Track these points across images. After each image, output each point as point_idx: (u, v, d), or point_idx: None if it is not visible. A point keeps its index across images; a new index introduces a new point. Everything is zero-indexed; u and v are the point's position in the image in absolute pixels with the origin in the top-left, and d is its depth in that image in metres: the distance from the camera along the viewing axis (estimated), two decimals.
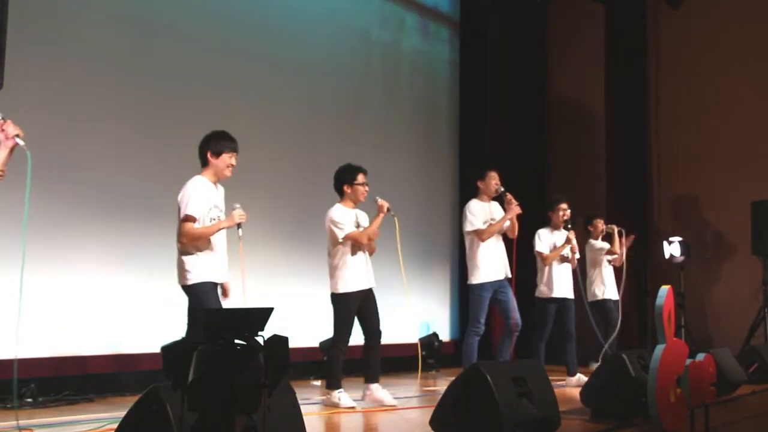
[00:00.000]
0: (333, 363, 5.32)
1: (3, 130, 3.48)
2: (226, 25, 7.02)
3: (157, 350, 2.48)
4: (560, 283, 6.86)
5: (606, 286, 7.51)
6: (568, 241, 6.80)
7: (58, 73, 5.73)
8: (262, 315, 2.49)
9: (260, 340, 2.44)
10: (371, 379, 5.35)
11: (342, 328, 5.30)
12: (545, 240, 6.90)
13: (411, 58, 9.16)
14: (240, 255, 4.49)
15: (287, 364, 2.50)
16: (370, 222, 5.52)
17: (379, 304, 5.47)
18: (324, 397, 5.42)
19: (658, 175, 9.66)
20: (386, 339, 5.60)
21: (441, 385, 6.49)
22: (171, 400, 2.59)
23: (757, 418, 5.53)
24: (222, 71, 6.91)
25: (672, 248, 8.84)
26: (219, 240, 4.56)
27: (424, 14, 9.43)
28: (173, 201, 4.53)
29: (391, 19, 8.95)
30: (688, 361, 4.10)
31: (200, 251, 4.45)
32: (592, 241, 7.68)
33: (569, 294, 6.90)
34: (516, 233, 6.29)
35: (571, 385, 6.59)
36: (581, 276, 7.27)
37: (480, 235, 6.13)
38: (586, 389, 4.86)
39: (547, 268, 6.87)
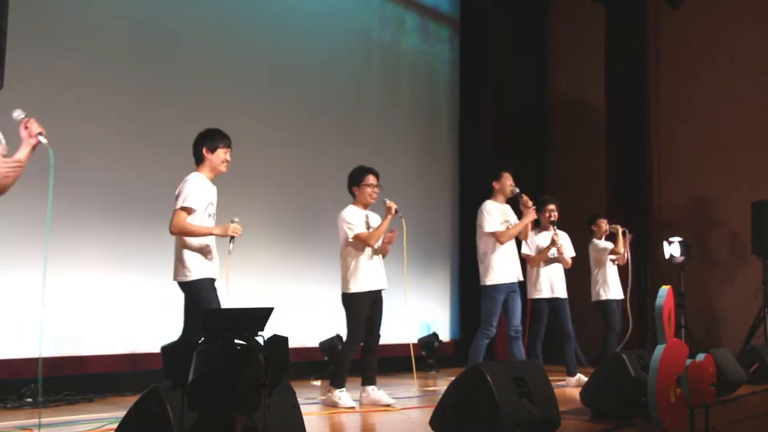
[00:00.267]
0: (341, 362, 5.32)
1: (27, 128, 3.52)
2: (226, 25, 7.02)
3: (157, 350, 2.48)
4: (549, 284, 6.84)
5: (610, 287, 7.42)
6: (552, 242, 6.77)
7: (58, 73, 5.73)
8: (262, 315, 2.49)
9: (260, 340, 2.44)
10: (368, 381, 5.36)
11: (355, 328, 5.29)
12: (530, 241, 6.86)
13: (411, 58, 9.16)
14: (227, 270, 4.51)
15: (287, 364, 2.50)
16: (379, 224, 5.52)
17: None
18: (324, 397, 5.43)
19: (658, 175, 9.66)
20: (386, 339, 5.60)
21: (441, 385, 6.50)
22: (171, 400, 2.59)
23: (757, 418, 5.54)
24: (222, 71, 6.91)
25: (672, 248, 8.82)
26: (210, 239, 4.61)
27: (424, 14, 9.43)
28: (173, 200, 4.54)
29: (391, 19, 8.95)
30: (688, 361, 4.11)
31: (197, 248, 4.48)
32: (596, 241, 7.57)
33: (561, 294, 6.87)
34: (528, 236, 6.27)
35: (571, 385, 6.58)
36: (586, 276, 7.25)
37: (500, 237, 6.03)
38: (586, 389, 4.86)
39: (535, 270, 6.86)
